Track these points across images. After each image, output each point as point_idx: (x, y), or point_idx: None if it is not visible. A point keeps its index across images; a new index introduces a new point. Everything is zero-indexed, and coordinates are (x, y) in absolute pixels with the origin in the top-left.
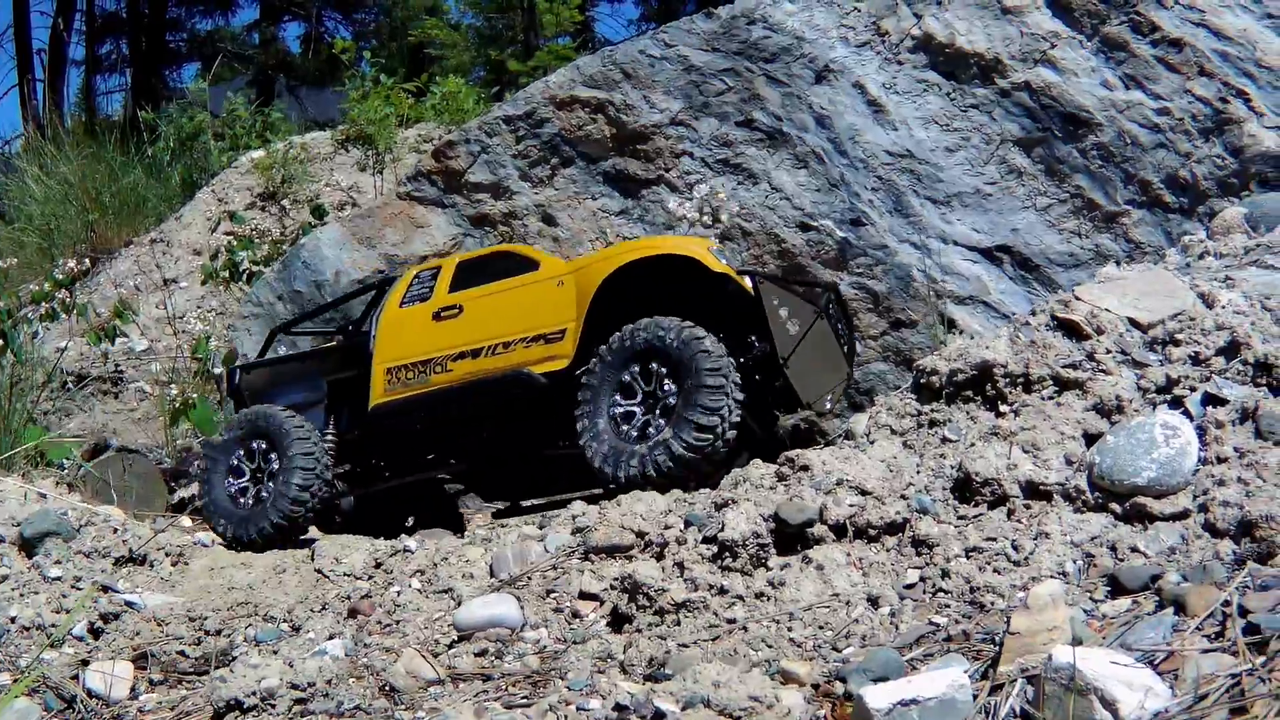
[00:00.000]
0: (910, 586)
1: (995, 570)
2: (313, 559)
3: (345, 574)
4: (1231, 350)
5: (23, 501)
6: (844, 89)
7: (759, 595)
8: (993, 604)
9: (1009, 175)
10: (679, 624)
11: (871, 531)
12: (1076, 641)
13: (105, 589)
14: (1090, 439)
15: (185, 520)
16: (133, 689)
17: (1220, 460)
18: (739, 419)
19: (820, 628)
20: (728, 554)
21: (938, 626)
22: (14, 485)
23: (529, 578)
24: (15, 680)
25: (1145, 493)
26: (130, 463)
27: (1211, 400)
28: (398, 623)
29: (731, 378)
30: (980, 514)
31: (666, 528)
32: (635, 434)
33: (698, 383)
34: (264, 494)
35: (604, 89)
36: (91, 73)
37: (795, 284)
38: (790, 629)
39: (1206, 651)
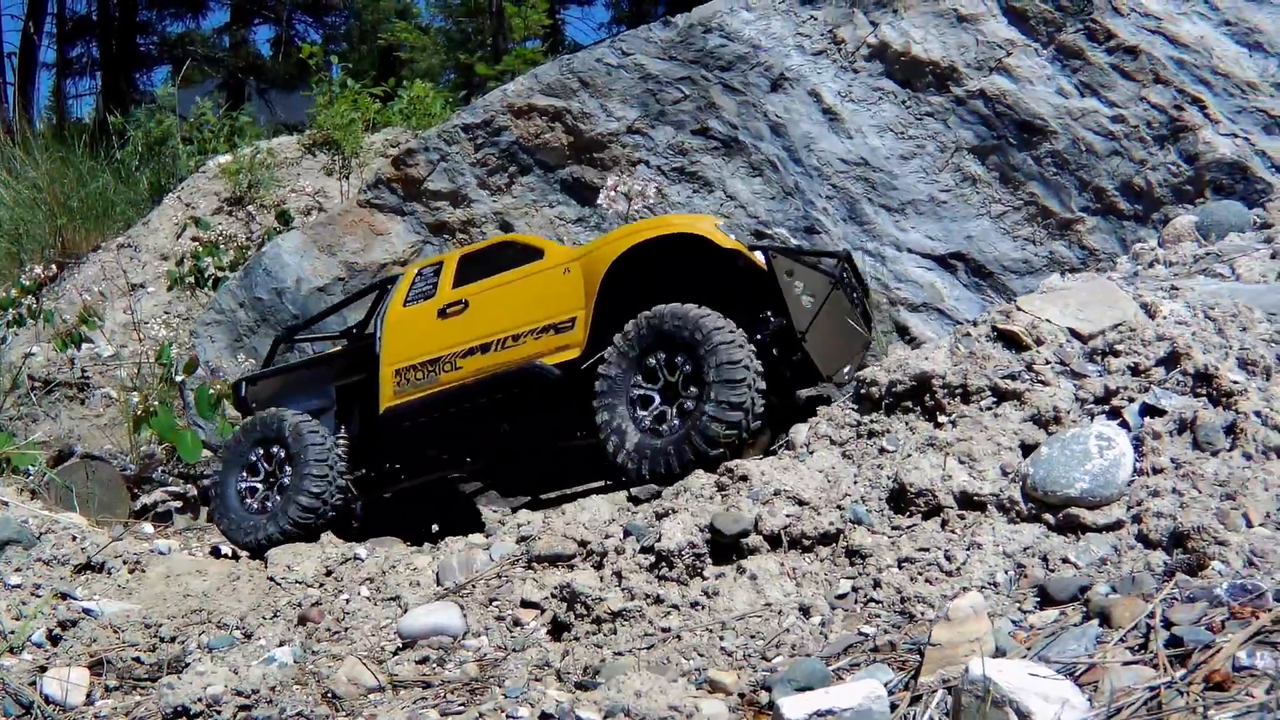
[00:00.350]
0: (842, 596)
1: (927, 580)
2: (266, 567)
3: (297, 581)
4: (1172, 361)
5: None
6: (799, 97)
7: (694, 604)
8: (922, 614)
9: (964, 183)
10: (615, 633)
11: (806, 542)
12: (1000, 653)
13: (64, 596)
14: (1027, 449)
15: (147, 527)
16: (89, 695)
17: (1156, 471)
18: (762, 408)
19: (751, 637)
20: (664, 564)
21: (866, 636)
22: None
23: (473, 586)
24: None
25: (1078, 504)
26: (93, 469)
27: (1150, 411)
28: (346, 630)
29: (753, 367)
30: (914, 524)
31: (607, 537)
32: (658, 428)
33: (719, 376)
34: (276, 499)
35: (561, 97)
36: (62, 76)
37: (806, 254)
38: (722, 638)
39: (1128, 664)
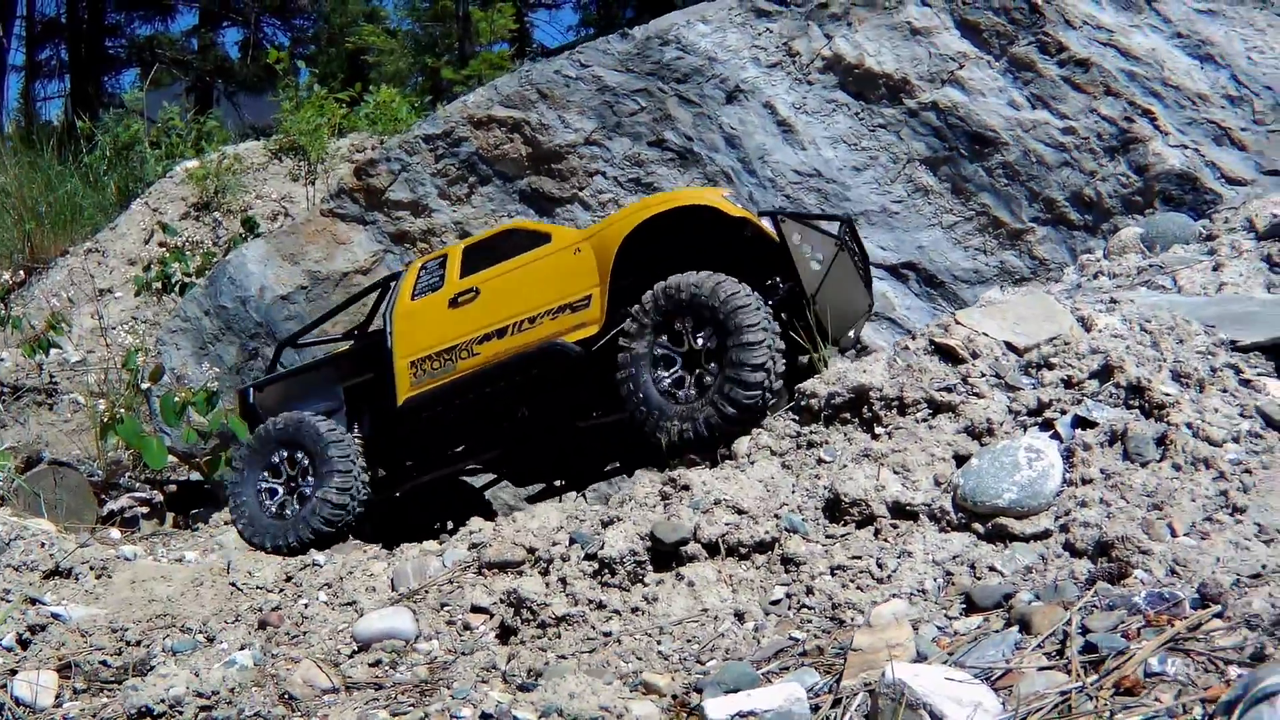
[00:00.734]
0: (776, 603)
1: (858, 587)
2: (228, 572)
3: (258, 587)
4: (1106, 373)
5: None
6: (754, 109)
7: (634, 610)
8: (852, 620)
9: (916, 194)
10: (560, 636)
11: (743, 549)
12: (921, 658)
13: (33, 601)
14: (961, 460)
15: (114, 532)
16: (57, 697)
17: (1085, 482)
18: (784, 367)
19: (688, 641)
20: (607, 570)
21: (797, 641)
22: None
23: (426, 591)
24: None
25: (1006, 514)
26: (61, 476)
27: (1081, 423)
28: (304, 634)
29: (772, 329)
30: (848, 533)
31: (554, 544)
32: (683, 395)
33: (740, 340)
34: (298, 503)
35: (520, 109)
36: (31, 79)
37: (811, 218)
38: (660, 643)
39: (1044, 669)
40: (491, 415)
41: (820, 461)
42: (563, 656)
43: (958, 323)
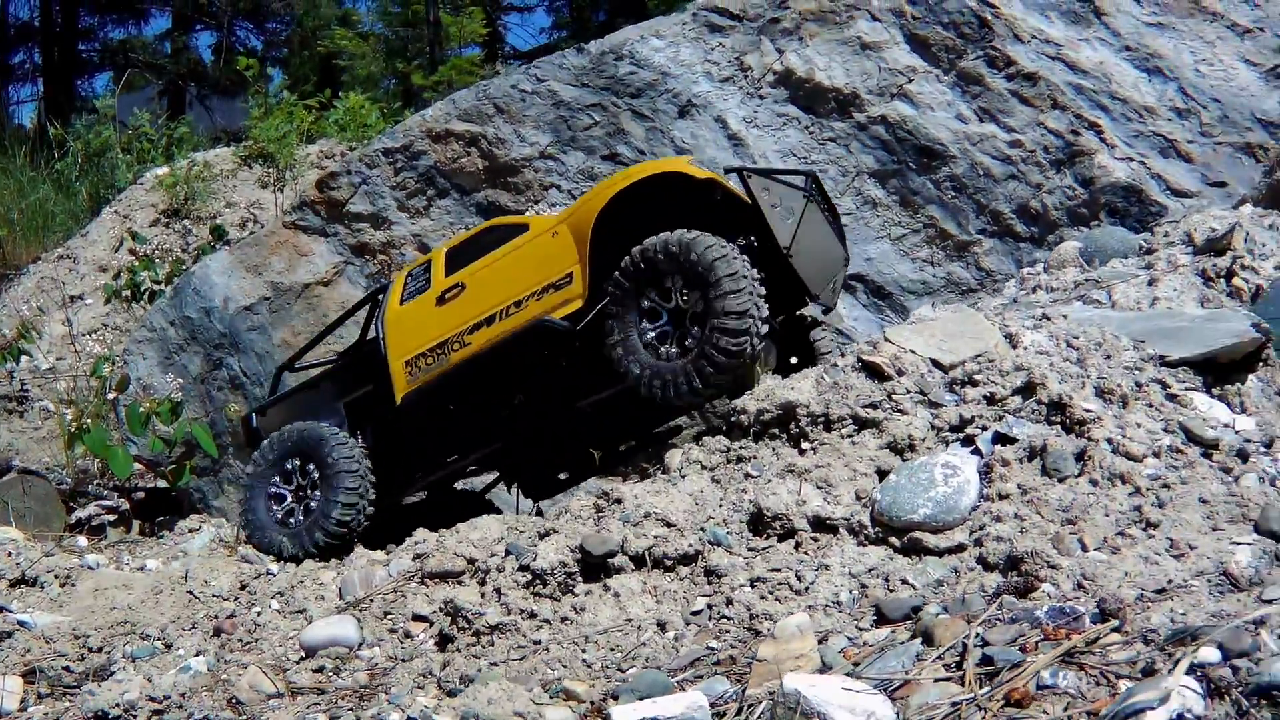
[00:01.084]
0: (697, 613)
1: (777, 599)
2: (186, 581)
3: (214, 595)
4: (1028, 390)
5: None
6: (706, 123)
7: (563, 619)
8: (768, 630)
9: (864, 206)
10: (493, 644)
11: (668, 562)
12: (826, 668)
13: (0, 609)
14: (884, 475)
15: (81, 540)
16: (23, 702)
17: (1002, 497)
18: (767, 314)
19: (611, 650)
20: (539, 581)
21: (713, 650)
22: None
23: (371, 600)
24: None
25: (922, 528)
26: (30, 484)
27: (1001, 439)
28: (256, 640)
29: (751, 275)
30: (769, 546)
31: (492, 555)
32: (673, 351)
33: (721, 290)
34: (307, 511)
35: (478, 123)
36: (4, 83)
37: (776, 173)
38: (585, 651)
39: (941, 680)
40: (489, 407)
41: (748, 476)
42: (495, 664)
43: (887, 340)
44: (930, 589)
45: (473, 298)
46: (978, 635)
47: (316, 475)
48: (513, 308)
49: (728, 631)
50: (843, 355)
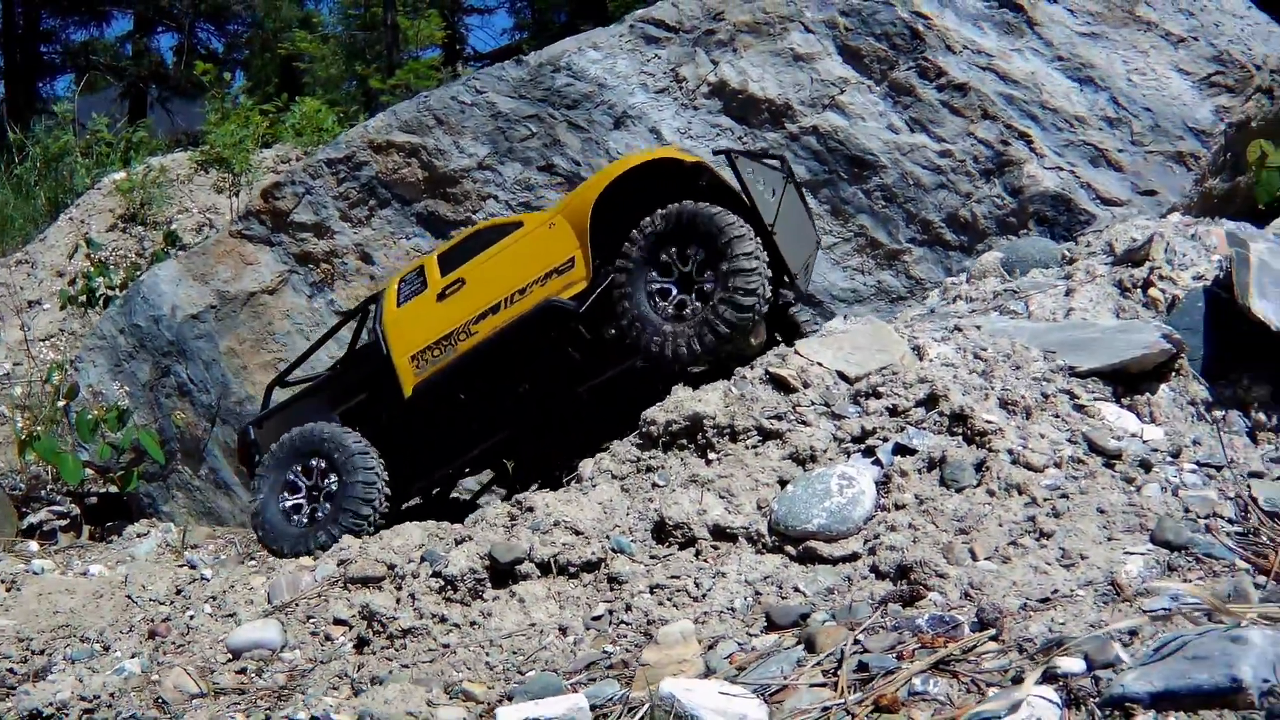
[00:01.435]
0: (597, 618)
1: (674, 605)
2: (125, 585)
3: (152, 599)
4: (931, 402)
5: None
6: (640, 134)
7: (472, 624)
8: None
9: None
10: (405, 648)
11: (572, 569)
12: (709, 672)
13: None
14: (786, 485)
15: (32, 545)
16: None
17: (899, 507)
18: (770, 280)
19: (514, 654)
20: (451, 587)
21: (608, 654)
22: None
23: (296, 604)
24: None
25: (816, 537)
26: None
27: (901, 450)
28: (188, 643)
29: (763, 257)
30: (671, 554)
31: (410, 561)
32: (678, 315)
33: (734, 266)
34: (321, 511)
35: (418, 134)
36: None
37: (756, 155)
38: (489, 654)
39: (816, 685)
40: (495, 395)
41: (655, 486)
42: (405, 666)
43: (796, 353)
44: (821, 597)
45: (475, 290)
46: (856, 643)
47: (331, 475)
48: (518, 295)
49: (624, 636)
50: (751, 368)
